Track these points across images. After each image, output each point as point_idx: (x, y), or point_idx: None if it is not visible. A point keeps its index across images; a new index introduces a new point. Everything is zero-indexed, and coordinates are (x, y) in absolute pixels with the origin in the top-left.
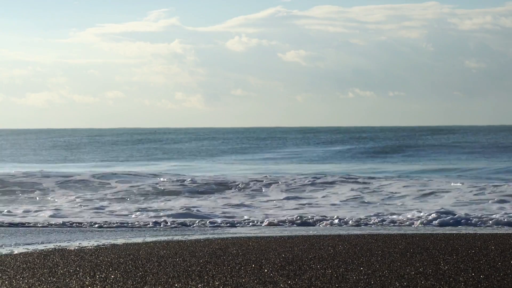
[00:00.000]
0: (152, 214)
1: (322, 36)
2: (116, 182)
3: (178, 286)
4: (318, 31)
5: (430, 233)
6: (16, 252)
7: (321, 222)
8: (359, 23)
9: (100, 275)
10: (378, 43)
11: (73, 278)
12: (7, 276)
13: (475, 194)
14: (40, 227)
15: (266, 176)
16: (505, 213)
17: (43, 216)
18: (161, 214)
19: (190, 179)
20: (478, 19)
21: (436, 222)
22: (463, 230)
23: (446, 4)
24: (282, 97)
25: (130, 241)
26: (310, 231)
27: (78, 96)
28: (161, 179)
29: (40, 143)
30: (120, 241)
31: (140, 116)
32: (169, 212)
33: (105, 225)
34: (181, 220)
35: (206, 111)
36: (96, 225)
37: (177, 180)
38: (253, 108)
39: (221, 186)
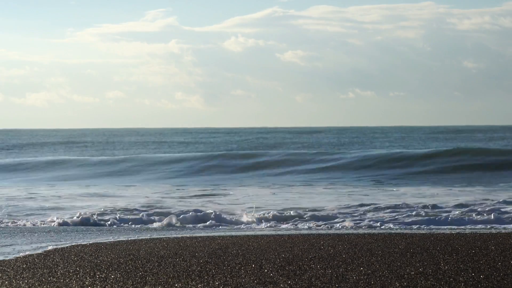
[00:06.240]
0: None
1: (320, 36)
2: None
3: (178, 286)
4: (315, 31)
5: (430, 233)
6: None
7: None
8: (356, 23)
9: (100, 275)
10: (375, 43)
11: (73, 278)
12: (7, 276)
13: None
14: None
15: None
16: None
17: None
18: None
19: None
20: (477, 19)
21: None
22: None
23: (442, 4)
24: (281, 97)
25: (130, 241)
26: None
27: (78, 96)
28: None
29: None
30: (120, 240)
31: (140, 116)
32: None
33: None
34: None
35: (207, 111)
36: None
37: None
38: (253, 108)
39: None
